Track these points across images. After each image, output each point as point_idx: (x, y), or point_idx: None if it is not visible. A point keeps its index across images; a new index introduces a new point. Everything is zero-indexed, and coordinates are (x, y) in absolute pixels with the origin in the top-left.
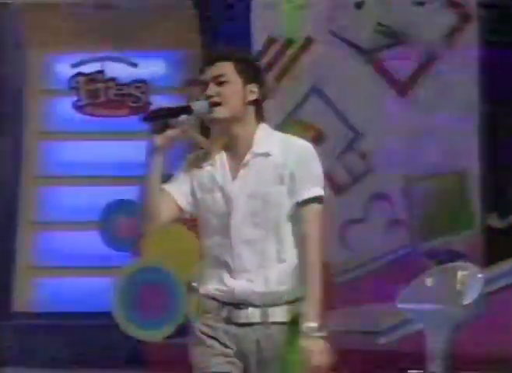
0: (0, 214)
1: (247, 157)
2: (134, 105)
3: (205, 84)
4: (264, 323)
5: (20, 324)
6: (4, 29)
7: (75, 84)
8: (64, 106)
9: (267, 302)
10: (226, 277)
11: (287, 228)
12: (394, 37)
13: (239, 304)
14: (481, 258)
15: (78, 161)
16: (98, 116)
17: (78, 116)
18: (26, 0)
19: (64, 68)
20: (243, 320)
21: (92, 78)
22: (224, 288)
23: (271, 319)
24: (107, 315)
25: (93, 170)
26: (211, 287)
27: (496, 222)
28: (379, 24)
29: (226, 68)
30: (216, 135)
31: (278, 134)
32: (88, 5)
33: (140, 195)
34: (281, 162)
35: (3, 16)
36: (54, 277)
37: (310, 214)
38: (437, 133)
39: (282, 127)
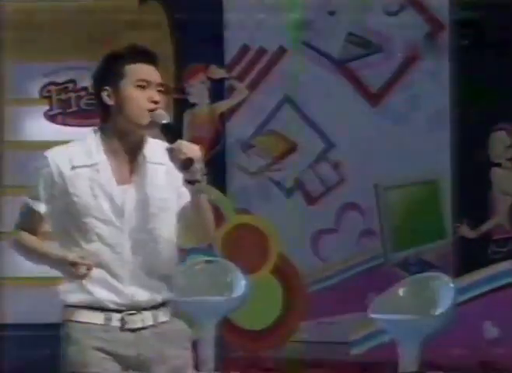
0: None
1: (141, 163)
2: None
3: (145, 82)
4: (155, 325)
5: None
6: None
7: (46, 93)
8: (36, 115)
9: (157, 304)
10: (115, 283)
11: (172, 234)
12: (366, 47)
13: (132, 309)
14: (452, 268)
15: None
16: (69, 125)
17: (49, 125)
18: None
19: (36, 77)
20: (138, 325)
21: (63, 87)
22: (114, 295)
23: (160, 319)
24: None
25: None
26: (97, 295)
27: (467, 232)
28: (351, 34)
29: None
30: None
31: (160, 142)
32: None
33: None
34: (171, 169)
35: None
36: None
37: None
38: (409, 143)
39: (253, 137)
